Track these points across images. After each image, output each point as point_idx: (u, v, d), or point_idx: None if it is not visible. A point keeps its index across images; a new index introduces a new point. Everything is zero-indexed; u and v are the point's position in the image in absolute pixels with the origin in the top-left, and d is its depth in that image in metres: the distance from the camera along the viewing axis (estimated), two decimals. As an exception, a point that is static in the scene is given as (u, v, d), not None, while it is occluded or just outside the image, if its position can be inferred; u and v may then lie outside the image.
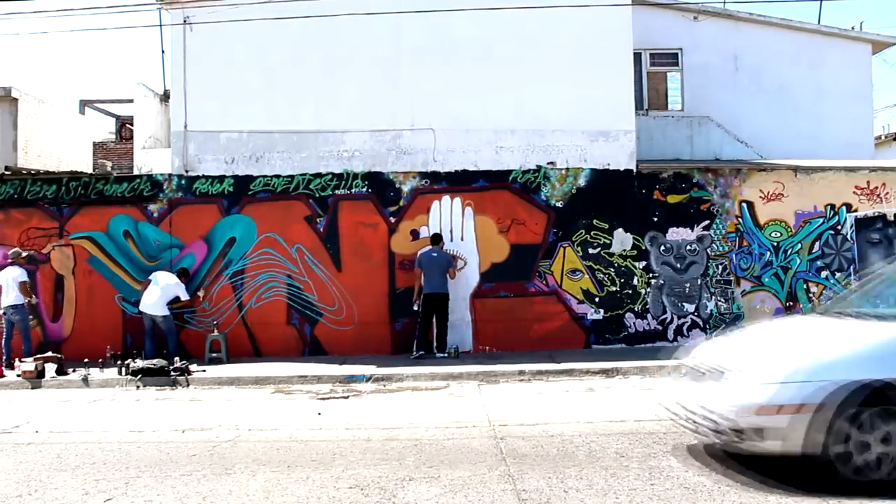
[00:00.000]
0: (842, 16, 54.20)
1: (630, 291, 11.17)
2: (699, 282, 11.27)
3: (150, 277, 10.53)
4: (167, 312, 10.42)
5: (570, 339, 11.02)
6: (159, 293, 10.34)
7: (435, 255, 10.54)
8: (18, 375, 9.53)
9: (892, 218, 11.45)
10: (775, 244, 11.34)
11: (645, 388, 8.32)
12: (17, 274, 10.22)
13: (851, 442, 4.42)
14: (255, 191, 11.13)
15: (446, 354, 10.49)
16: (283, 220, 11.09)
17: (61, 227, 11.18)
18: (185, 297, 10.51)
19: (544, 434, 6.15)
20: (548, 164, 11.17)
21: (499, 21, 10.87)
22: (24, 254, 10.60)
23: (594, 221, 11.16)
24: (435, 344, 10.58)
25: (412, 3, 10.52)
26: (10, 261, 10.41)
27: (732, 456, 5.09)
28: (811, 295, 11.33)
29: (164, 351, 10.32)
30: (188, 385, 9.24)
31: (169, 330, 10.49)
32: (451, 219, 11.13)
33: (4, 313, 10.32)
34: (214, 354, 10.50)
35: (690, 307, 11.26)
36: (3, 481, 5.10)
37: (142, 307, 10.46)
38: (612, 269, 11.16)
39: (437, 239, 10.67)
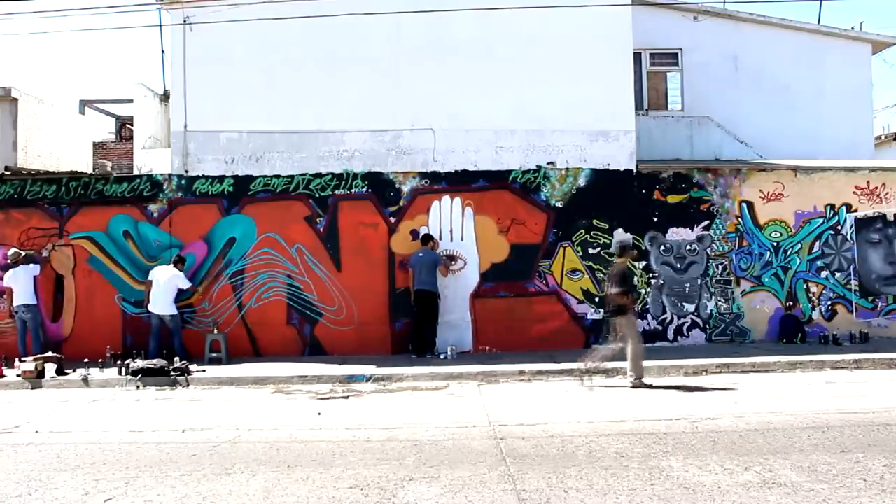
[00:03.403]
0: (842, 16, 54.21)
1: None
2: (699, 282, 11.27)
3: (150, 277, 10.52)
4: (175, 311, 10.48)
5: (570, 339, 11.02)
6: (165, 291, 10.37)
7: (421, 255, 10.65)
8: (18, 375, 9.53)
9: (892, 218, 11.47)
10: (775, 244, 11.34)
11: (645, 388, 8.33)
12: (33, 270, 10.69)
13: None
14: (255, 191, 11.14)
15: (435, 354, 10.51)
16: (283, 220, 11.10)
17: (61, 227, 11.18)
18: (184, 284, 10.54)
19: (544, 434, 6.15)
20: (548, 164, 11.17)
21: (498, 21, 10.89)
22: (24, 253, 10.72)
23: (594, 221, 11.17)
24: (422, 343, 10.56)
25: (412, 4, 10.53)
26: (10, 262, 10.52)
27: (732, 456, 5.07)
28: (811, 295, 11.33)
29: (165, 351, 10.33)
30: (188, 385, 9.25)
31: (176, 329, 10.51)
32: (451, 219, 11.14)
33: (17, 312, 10.53)
34: (214, 354, 10.50)
35: (690, 307, 11.26)
36: (3, 481, 5.10)
37: (150, 308, 10.44)
38: (612, 269, 11.15)
39: (425, 240, 10.77)
